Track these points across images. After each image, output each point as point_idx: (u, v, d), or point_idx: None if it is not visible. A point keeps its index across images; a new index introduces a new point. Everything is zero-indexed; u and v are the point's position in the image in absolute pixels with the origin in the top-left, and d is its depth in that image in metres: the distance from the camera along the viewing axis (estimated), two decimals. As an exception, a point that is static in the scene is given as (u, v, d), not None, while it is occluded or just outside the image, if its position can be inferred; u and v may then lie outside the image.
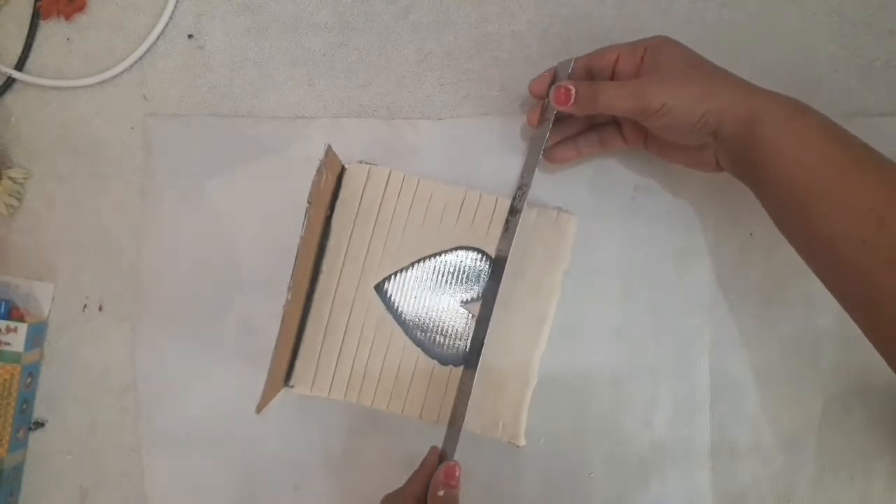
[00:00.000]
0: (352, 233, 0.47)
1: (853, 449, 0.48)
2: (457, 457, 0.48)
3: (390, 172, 0.47)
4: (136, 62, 0.50)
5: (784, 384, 0.49)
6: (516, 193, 0.47)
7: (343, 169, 0.47)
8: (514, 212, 0.47)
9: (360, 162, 0.47)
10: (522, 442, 0.47)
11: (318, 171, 0.41)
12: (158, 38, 0.50)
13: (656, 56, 0.41)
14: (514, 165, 0.49)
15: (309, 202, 0.41)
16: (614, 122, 0.46)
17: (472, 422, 0.47)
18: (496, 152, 0.49)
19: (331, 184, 0.46)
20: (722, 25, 0.49)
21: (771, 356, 0.49)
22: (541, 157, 0.45)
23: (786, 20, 0.49)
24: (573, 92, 0.41)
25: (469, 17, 0.50)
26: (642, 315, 0.49)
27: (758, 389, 0.48)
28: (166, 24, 0.50)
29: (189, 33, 0.50)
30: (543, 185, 0.49)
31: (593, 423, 0.49)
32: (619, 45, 0.43)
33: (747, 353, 0.49)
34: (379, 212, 0.47)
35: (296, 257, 0.41)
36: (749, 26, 0.49)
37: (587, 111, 0.42)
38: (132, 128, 0.50)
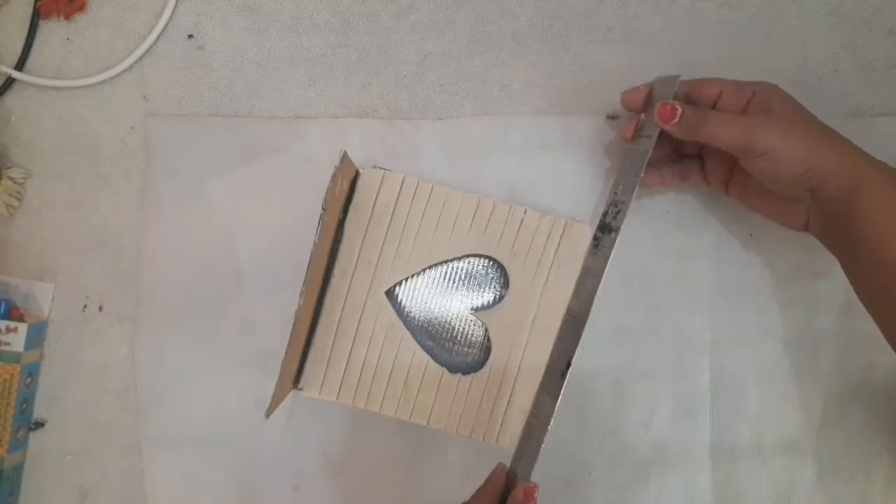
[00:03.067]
0: (364, 237, 0.47)
1: (853, 449, 0.48)
2: (457, 456, 0.48)
3: (404, 178, 0.47)
4: (136, 62, 0.50)
5: (784, 384, 0.49)
6: (608, 210, 0.45)
7: (357, 174, 0.47)
8: (608, 230, 0.44)
9: (374, 167, 0.47)
10: None
11: (333, 177, 0.41)
12: (158, 38, 0.50)
13: (767, 101, 0.40)
14: (513, 165, 0.49)
15: (323, 208, 0.41)
16: (698, 157, 0.45)
17: (479, 430, 0.47)
18: (496, 152, 0.49)
19: (345, 189, 0.46)
20: (722, 25, 0.49)
21: (771, 356, 0.49)
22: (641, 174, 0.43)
23: (786, 20, 0.49)
24: (679, 112, 0.40)
25: (469, 17, 0.50)
26: (642, 315, 0.49)
27: (758, 389, 0.48)
28: (166, 24, 0.50)
29: (189, 33, 0.50)
30: (545, 186, 0.49)
31: (594, 422, 0.49)
32: (723, 80, 0.42)
33: (747, 353, 0.49)
34: (392, 217, 0.47)
35: (308, 262, 0.41)
36: (749, 26, 0.49)
37: (689, 136, 0.41)
38: (132, 128, 0.50)
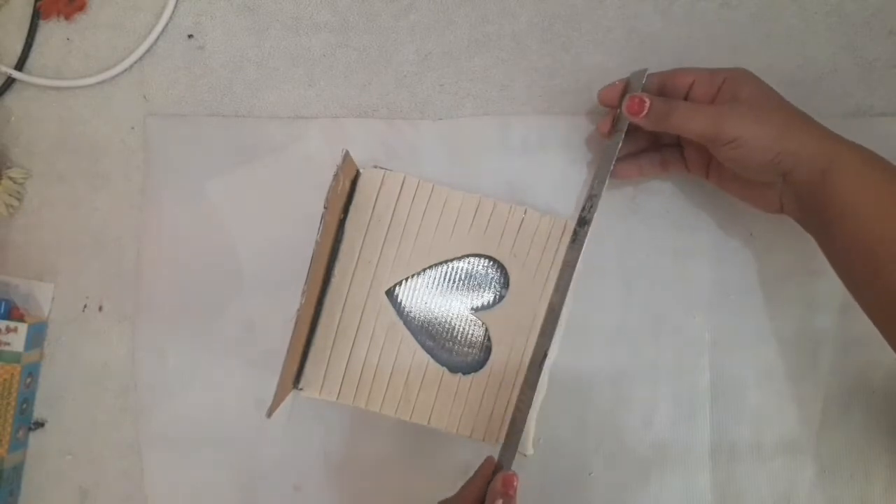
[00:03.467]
0: (364, 237, 0.47)
1: (853, 449, 0.48)
2: (458, 456, 0.48)
3: (405, 178, 0.47)
4: (136, 62, 0.50)
5: (784, 384, 0.49)
6: (585, 204, 0.47)
7: (358, 173, 0.47)
8: (583, 223, 0.46)
9: (375, 167, 0.47)
10: (530, 451, 0.47)
11: (335, 176, 0.41)
12: (158, 38, 0.50)
13: (736, 88, 0.41)
14: (513, 165, 0.49)
15: (325, 207, 0.41)
16: (677, 146, 0.46)
17: (479, 430, 0.47)
18: (496, 152, 0.49)
19: (346, 188, 0.46)
20: (722, 25, 0.49)
21: (771, 356, 0.49)
22: (612, 167, 0.44)
23: (786, 20, 0.49)
24: (647, 104, 0.41)
25: (469, 17, 0.50)
26: (642, 315, 0.49)
27: (758, 389, 0.48)
28: (166, 24, 0.50)
29: (189, 33, 0.50)
30: (545, 186, 0.49)
31: (593, 422, 0.49)
32: (697, 69, 0.43)
33: (747, 353, 0.49)
34: (392, 217, 0.47)
35: (310, 261, 0.41)
36: (749, 26, 0.49)
37: (658, 127, 0.41)
38: (132, 128, 0.50)
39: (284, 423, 0.49)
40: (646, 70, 0.43)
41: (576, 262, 0.45)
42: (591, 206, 0.45)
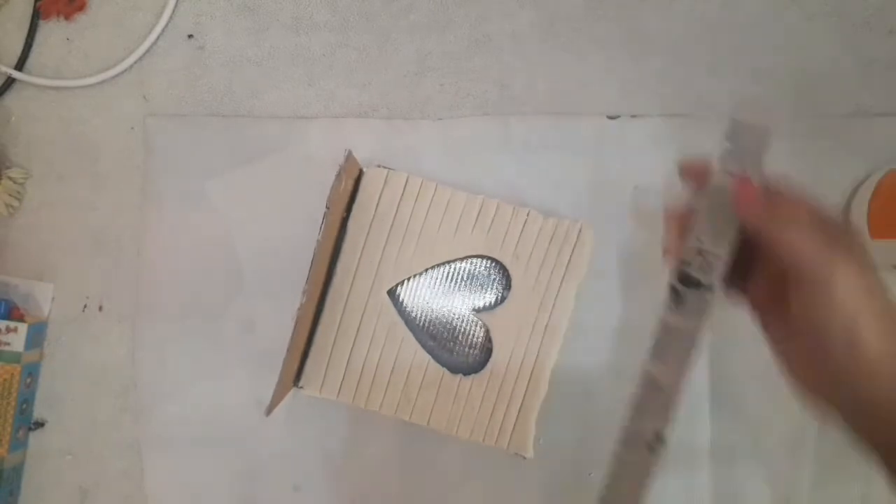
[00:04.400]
0: (367, 236, 0.47)
1: (853, 449, 0.48)
2: (457, 456, 0.48)
3: (408, 178, 0.47)
4: (136, 62, 0.50)
5: (784, 384, 0.49)
6: (693, 260, 0.34)
7: (361, 172, 0.47)
8: (692, 283, 0.34)
9: (378, 166, 0.47)
10: (530, 453, 0.47)
11: (338, 175, 0.41)
12: (158, 38, 0.50)
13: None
14: (513, 165, 0.49)
15: (327, 206, 0.41)
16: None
17: (479, 431, 0.47)
18: (496, 152, 0.49)
19: (348, 187, 0.46)
20: (722, 25, 0.49)
21: (771, 356, 0.48)
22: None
23: (786, 20, 0.49)
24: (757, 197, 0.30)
25: (469, 17, 0.50)
26: (642, 315, 0.49)
27: (758, 389, 0.48)
28: (166, 24, 0.50)
29: (189, 33, 0.50)
30: (545, 186, 0.49)
31: (593, 423, 0.49)
32: (810, 199, 0.30)
33: (747, 353, 0.49)
34: (395, 216, 0.47)
35: (312, 260, 0.41)
36: (749, 26, 0.49)
37: (762, 230, 0.31)
38: (132, 128, 0.50)
39: (284, 422, 0.49)
40: (766, 130, 0.31)
41: (693, 332, 0.35)
42: (710, 267, 0.34)
